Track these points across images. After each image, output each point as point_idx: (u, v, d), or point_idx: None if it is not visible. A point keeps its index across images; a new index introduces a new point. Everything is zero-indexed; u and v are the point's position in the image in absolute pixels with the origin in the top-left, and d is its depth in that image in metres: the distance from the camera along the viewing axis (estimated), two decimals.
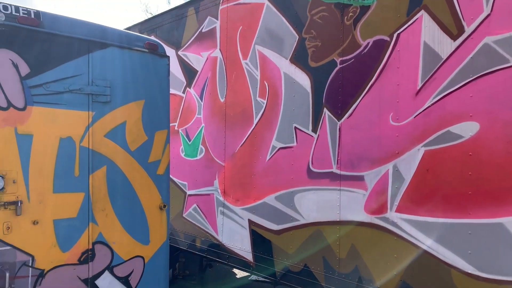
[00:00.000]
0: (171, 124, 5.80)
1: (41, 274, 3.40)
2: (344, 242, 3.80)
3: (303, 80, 4.17)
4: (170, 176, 5.79)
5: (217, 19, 5.24)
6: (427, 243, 3.24)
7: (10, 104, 3.22)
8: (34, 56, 3.34)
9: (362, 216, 3.66)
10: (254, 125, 4.71)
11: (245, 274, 6.88)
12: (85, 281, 3.65)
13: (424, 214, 3.25)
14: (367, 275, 3.63)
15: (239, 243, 4.91)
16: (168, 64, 4.22)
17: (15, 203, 3.25)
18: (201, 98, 5.48)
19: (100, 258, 3.74)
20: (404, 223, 3.37)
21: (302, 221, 4.18)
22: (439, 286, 3.16)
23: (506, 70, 2.86)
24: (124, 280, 3.91)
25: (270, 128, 4.51)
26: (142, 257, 4.03)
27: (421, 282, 3.28)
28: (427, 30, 3.27)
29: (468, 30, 3.04)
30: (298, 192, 4.22)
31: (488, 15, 2.94)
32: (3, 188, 3.18)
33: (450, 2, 3.13)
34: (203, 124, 5.43)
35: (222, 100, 5.14)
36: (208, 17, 5.37)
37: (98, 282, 3.73)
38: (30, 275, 3.34)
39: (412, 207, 3.32)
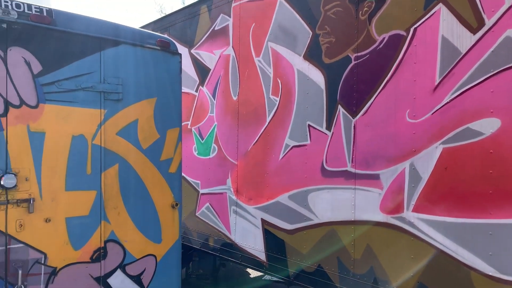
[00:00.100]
0: (184, 123, 5.79)
1: (54, 272, 3.40)
2: (359, 242, 3.72)
3: (317, 77, 4.09)
4: (183, 174, 5.78)
5: (229, 16, 5.19)
6: (445, 243, 3.13)
7: (22, 102, 3.23)
8: (46, 54, 3.34)
9: (378, 216, 3.57)
10: (267, 123, 4.65)
11: (259, 274, 6.82)
12: (97, 279, 3.64)
13: (442, 214, 3.15)
14: (382, 276, 3.54)
15: (252, 242, 4.85)
16: (180, 62, 4.19)
17: (27, 200, 3.25)
18: (213, 96, 5.44)
19: (112, 256, 3.73)
20: (421, 223, 3.27)
21: (316, 221, 4.11)
22: None
23: None
24: (136, 279, 3.89)
25: (283, 126, 4.45)
26: (154, 256, 4.01)
27: (439, 284, 3.17)
28: (445, 24, 3.16)
29: (488, 23, 2.93)
30: (311, 191, 4.14)
31: (510, 7, 2.83)
32: (15, 185, 3.18)
33: None
34: (215, 123, 5.39)
35: (234, 98, 5.09)
36: (221, 14, 5.33)
37: (110, 280, 3.72)
38: (42, 272, 3.34)
39: (429, 207, 3.22)
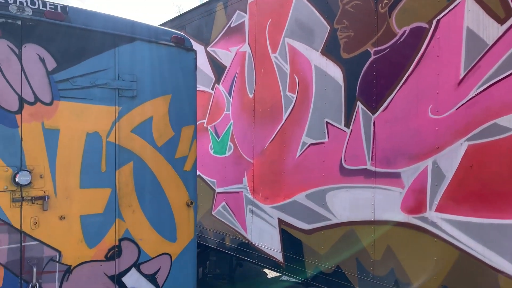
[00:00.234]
0: (200, 121, 5.75)
1: (68, 270, 3.38)
2: (379, 243, 3.59)
3: (335, 72, 3.98)
4: (199, 173, 5.73)
5: (245, 13, 5.12)
6: (471, 245, 2.98)
7: (37, 99, 3.22)
8: (60, 50, 3.33)
9: (399, 216, 3.43)
10: (283, 120, 4.55)
11: (276, 274, 6.73)
12: (111, 278, 3.61)
13: (467, 214, 3.00)
14: (404, 279, 3.40)
15: (269, 242, 4.76)
16: (195, 58, 4.13)
17: (42, 198, 3.24)
18: (229, 94, 5.37)
19: (126, 255, 3.69)
20: (445, 224, 3.13)
21: (334, 221, 3.99)
22: None
23: None
24: (151, 278, 3.85)
25: (300, 124, 4.34)
26: (169, 255, 3.96)
27: None
28: (470, 14, 3.01)
29: None
30: (330, 190, 4.03)
31: None
32: (30, 182, 3.17)
33: None
34: (231, 121, 5.32)
35: (250, 96, 5.01)
36: (237, 11, 5.26)
37: (124, 279, 3.68)
38: (57, 270, 3.33)
39: (454, 206, 3.07)
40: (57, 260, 3.33)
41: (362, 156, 3.72)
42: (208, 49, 5.77)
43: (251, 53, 5.02)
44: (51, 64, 3.29)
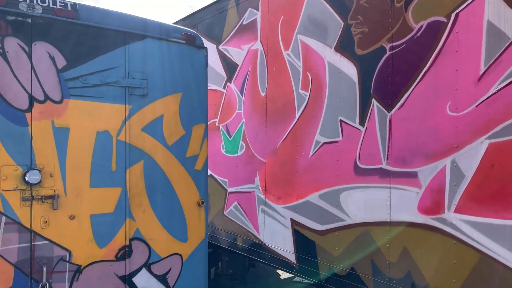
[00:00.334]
0: (212, 120, 5.69)
1: (78, 270, 3.35)
2: (395, 245, 3.48)
3: (349, 69, 3.88)
4: (211, 173, 5.68)
5: (258, 10, 5.04)
6: (491, 247, 2.86)
7: (47, 97, 3.20)
8: (70, 48, 3.30)
9: (416, 217, 3.32)
10: (296, 119, 4.46)
11: (289, 275, 6.64)
12: (122, 278, 3.58)
13: (488, 215, 2.87)
14: (421, 282, 3.29)
15: (281, 243, 4.68)
16: (206, 56, 4.08)
17: (52, 197, 3.22)
18: (241, 92, 5.30)
19: (137, 255, 3.65)
20: (464, 225, 3.00)
21: (349, 221, 3.89)
22: None
23: None
24: (162, 278, 3.80)
25: (314, 122, 4.25)
26: (180, 255, 3.91)
27: None
28: (491, 7, 2.89)
29: None
30: (344, 190, 3.93)
31: None
32: (40, 181, 3.15)
33: None
34: (243, 120, 5.25)
35: (262, 94, 4.93)
36: (249, 9, 5.19)
37: (135, 279, 3.64)
38: (67, 270, 3.31)
39: (474, 207, 2.95)
40: (67, 259, 3.30)
41: (378, 155, 3.61)
42: (220, 47, 5.72)
43: (263, 51, 4.95)
44: (61, 62, 3.26)
